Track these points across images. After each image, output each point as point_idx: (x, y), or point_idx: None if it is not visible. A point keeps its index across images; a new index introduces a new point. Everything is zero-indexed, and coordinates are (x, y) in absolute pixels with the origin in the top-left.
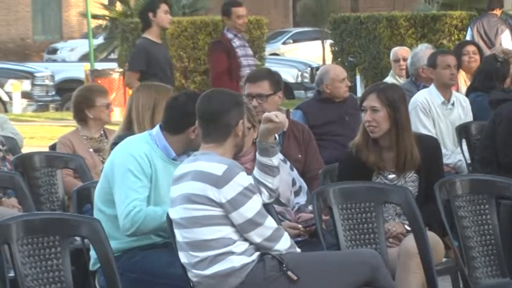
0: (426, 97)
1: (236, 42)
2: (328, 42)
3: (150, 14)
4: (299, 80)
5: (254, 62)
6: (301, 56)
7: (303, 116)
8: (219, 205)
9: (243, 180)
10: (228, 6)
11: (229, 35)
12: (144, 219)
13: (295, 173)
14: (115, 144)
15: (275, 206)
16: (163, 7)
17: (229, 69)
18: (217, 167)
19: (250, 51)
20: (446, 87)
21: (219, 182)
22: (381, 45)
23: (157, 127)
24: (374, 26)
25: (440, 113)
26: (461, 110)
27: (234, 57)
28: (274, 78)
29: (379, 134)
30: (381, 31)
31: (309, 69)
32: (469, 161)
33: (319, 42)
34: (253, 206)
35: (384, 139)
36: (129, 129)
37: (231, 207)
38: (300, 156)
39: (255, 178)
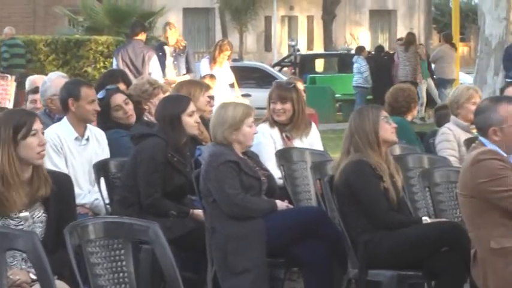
0: (58, 133)
1: None
2: None
3: None
4: None
5: None
6: None
7: None
8: None
9: None
10: None
11: None
12: None
13: None
14: None
15: None
16: None
17: None
18: None
19: None
20: (83, 122)
21: None
22: None
23: None
24: None
25: (74, 150)
26: (97, 145)
27: None
28: None
29: None
30: None
31: None
32: (107, 201)
33: None
34: None
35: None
36: None
37: None
38: None
39: None
